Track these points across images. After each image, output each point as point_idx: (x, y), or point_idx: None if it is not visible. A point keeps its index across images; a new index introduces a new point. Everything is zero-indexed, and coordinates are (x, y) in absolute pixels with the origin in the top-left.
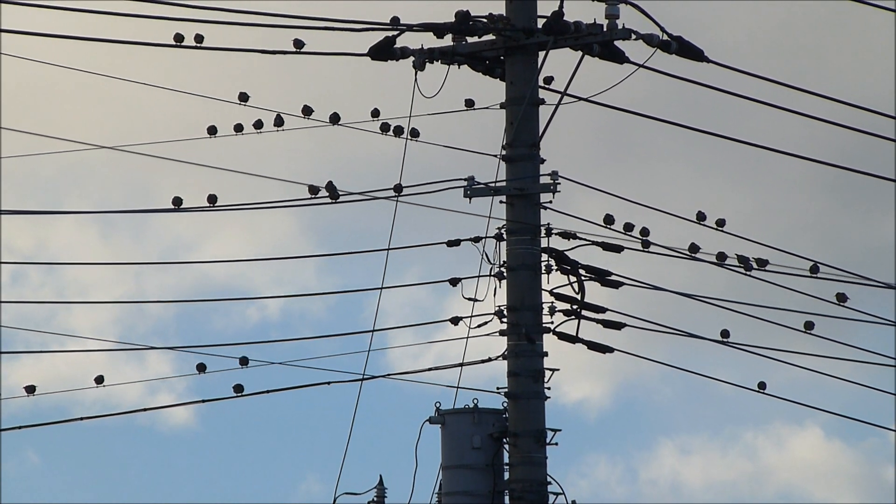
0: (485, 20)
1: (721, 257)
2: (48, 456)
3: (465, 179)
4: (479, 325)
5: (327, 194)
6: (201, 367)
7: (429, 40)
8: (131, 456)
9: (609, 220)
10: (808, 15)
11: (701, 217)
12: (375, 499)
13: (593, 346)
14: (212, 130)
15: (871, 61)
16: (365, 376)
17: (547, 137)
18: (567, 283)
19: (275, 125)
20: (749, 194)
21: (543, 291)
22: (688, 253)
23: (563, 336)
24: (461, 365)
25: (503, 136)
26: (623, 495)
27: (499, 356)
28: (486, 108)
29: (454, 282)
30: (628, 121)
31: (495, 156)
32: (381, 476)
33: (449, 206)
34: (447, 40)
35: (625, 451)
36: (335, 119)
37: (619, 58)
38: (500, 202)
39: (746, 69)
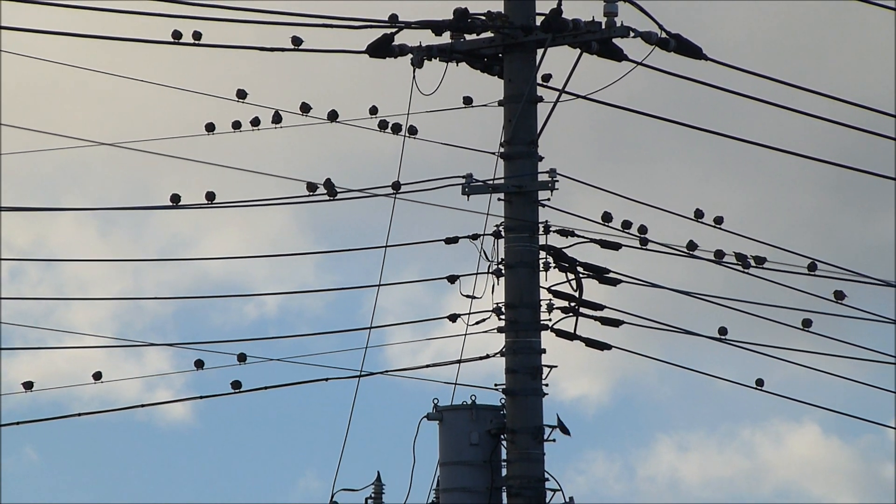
0: (483, 18)
1: (719, 255)
2: (46, 452)
3: (463, 177)
4: (477, 322)
5: (325, 191)
6: (199, 364)
7: (427, 38)
8: (129, 452)
9: (607, 217)
10: (807, 13)
11: (699, 215)
12: (373, 495)
13: (591, 343)
14: (210, 128)
15: (871, 60)
16: (363, 373)
17: (545, 135)
18: (565, 280)
19: (273, 122)
20: (747, 192)
21: (541, 288)
22: (686, 250)
23: (560, 333)
24: (459, 362)
25: (501, 133)
26: (621, 492)
27: (497, 353)
28: (485, 105)
29: (452, 279)
30: (626, 118)
31: (493, 153)
32: (378, 472)
33: (447, 204)
34: (445, 38)
35: (622, 448)
36: (333, 116)
37: (618, 55)
38: (499, 199)
39: (745, 67)
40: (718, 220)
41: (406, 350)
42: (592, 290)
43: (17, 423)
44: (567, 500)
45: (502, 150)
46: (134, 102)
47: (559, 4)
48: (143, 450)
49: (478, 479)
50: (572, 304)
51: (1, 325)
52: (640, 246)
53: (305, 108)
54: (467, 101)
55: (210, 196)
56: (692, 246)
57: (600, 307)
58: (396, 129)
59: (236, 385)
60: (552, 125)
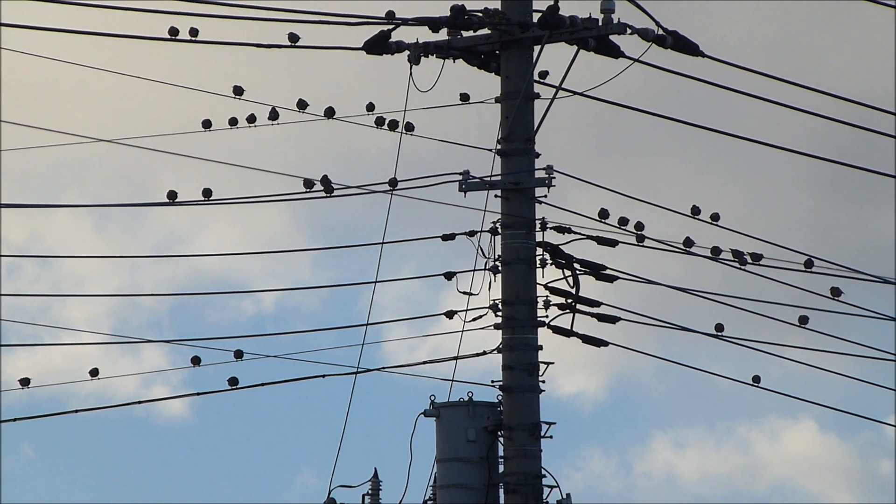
0: (480, 14)
1: (716, 252)
2: (43, 449)
3: (460, 173)
4: (473, 319)
5: (322, 188)
6: (196, 360)
7: (424, 34)
8: (126, 448)
9: (604, 214)
10: (804, 10)
11: (696, 211)
12: (370, 491)
13: (588, 339)
14: (206, 124)
15: (868, 57)
16: (360, 369)
17: (542, 132)
18: (562, 277)
19: (270, 119)
20: (744, 189)
21: (538, 285)
22: (682, 247)
23: (557, 330)
24: (456, 358)
25: (498, 130)
26: (617, 488)
27: (493, 349)
28: (482, 102)
29: (449, 275)
30: (623, 115)
31: (490, 150)
32: (375, 469)
33: (444, 200)
34: (442, 34)
35: (619, 445)
36: (330, 113)
37: (615, 52)
38: (495, 196)
39: (742, 64)
40: (715, 217)
41: (403, 347)
42: (589, 286)
43: (14, 420)
44: (564, 496)
45: (499, 146)
46: (131, 99)
47: (556, 1)
48: (140, 446)
49: (475, 476)
50: (569, 300)
51: (0, 321)
52: (636, 243)
53: (302, 105)
54: (464, 97)
55: (207, 193)
56: (689, 243)
57: (597, 304)
58: (393, 125)
59: (233, 382)
60: (549, 122)
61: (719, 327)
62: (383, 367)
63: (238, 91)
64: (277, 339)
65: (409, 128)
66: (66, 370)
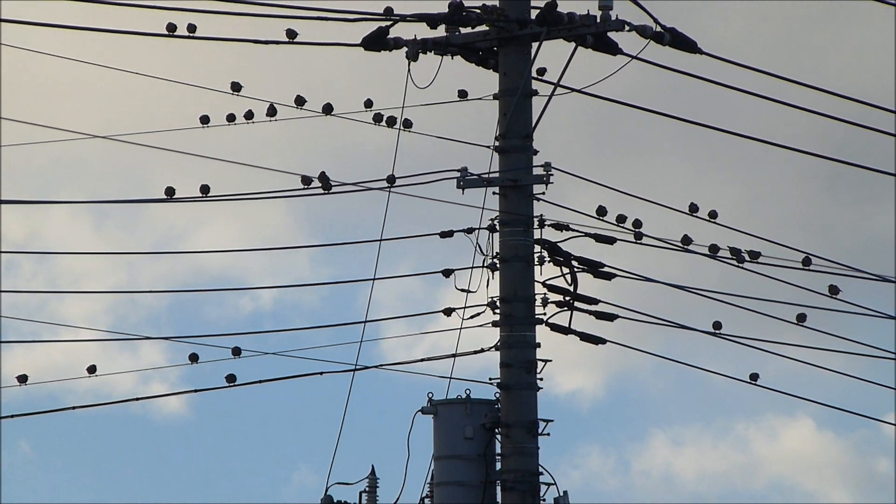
0: (478, 11)
1: (713, 249)
2: (41, 445)
3: (458, 170)
4: (471, 316)
5: (320, 185)
6: (194, 357)
7: (422, 31)
8: (124, 445)
9: (602, 211)
10: (803, 7)
11: (693, 209)
12: (367, 489)
13: (586, 337)
14: (204, 120)
15: (866, 54)
16: (357, 366)
17: (540, 129)
18: (560, 274)
19: (268, 115)
20: (742, 186)
21: (536, 283)
22: (680, 245)
23: (555, 327)
24: (454, 356)
25: (496, 127)
26: (615, 486)
27: (491, 347)
28: (480, 98)
29: (447, 273)
30: (621, 112)
31: (488, 147)
32: (373, 466)
33: (442, 197)
34: (440, 31)
35: (617, 442)
36: (328, 109)
37: (613, 49)
38: (493, 193)
39: (740, 61)
40: (713, 215)
41: (401, 344)
42: (587, 284)
43: (12, 417)
44: (561, 494)
45: (497, 143)
46: (128, 95)
47: None
48: (137, 443)
49: (472, 474)
50: (567, 298)
51: (0, 318)
52: (634, 240)
53: (300, 102)
54: (462, 94)
55: (204, 189)
56: (687, 240)
57: (595, 301)
58: (391, 122)
59: (231, 379)
60: (547, 119)
61: (717, 325)
62: (381, 365)
63: (236, 87)
64: (275, 337)
65: (407, 124)
66: (64, 367)
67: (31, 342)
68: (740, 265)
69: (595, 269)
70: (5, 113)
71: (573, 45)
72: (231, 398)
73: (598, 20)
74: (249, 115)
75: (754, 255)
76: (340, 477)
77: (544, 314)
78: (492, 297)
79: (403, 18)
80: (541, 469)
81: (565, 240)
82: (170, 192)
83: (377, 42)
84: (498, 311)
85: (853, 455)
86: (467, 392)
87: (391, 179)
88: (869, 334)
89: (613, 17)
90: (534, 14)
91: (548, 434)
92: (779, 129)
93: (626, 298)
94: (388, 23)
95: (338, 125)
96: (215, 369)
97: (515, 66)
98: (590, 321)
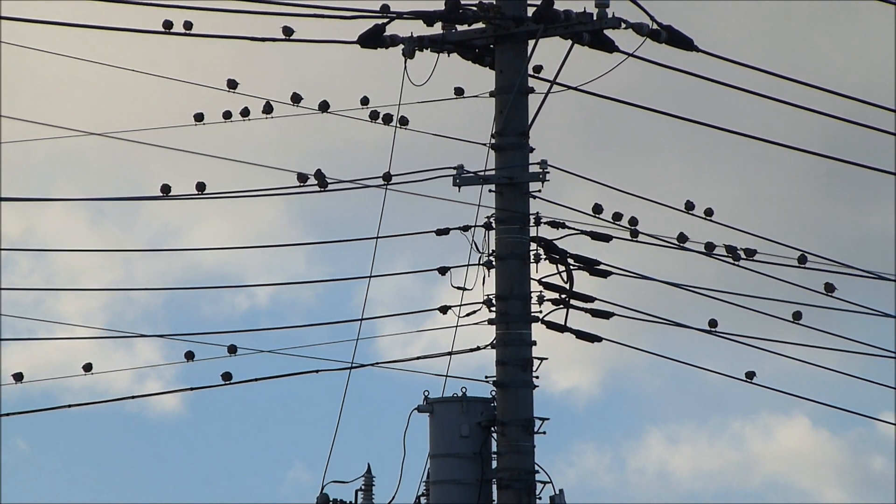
0: (475, 8)
1: (709, 247)
2: (36, 443)
3: (454, 168)
4: (467, 314)
5: (316, 182)
6: (190, 355)
7: (418, 28)
8: (120, 443)
9: (598, 209)
10: (799, 6)
11: (689, 206)
12: (363, 487)
13: (581, 335)
14: (198, 117)
15: (863, 52)
16: (353, 364)
17: (536, 126)
18: (556, 272)
19: (264, 113)
20: (738, 184)
21: (532, 280)
22: (676, 242)
23: (551, 325)
24: (450, 354)
25: (492, 124)
26: (611, 484)
27: (487, 345)
28: (476, 96)
29: (443, 270)
30: (618, 110)
31: (484, 144)
32: (368, 464)
33: (438, 195)
34: (437, 28)
35: (613, 440)
36: (324, 107)
37: (609, 47)
38: (490, 191)
39: (736, 59)
40: (709, 213)
41: (397, 342)
42: (583, 282)
43: (7, 415)
44: (557, 492)
45: (493, 141)
46: (125, 92)
47: None
48: (133, 441)
49: (468, 472)
50: (563, 295)
51: (1, 316)
52: (630, 238)
53: (296, 99)
54: (459, 92)
55: (200, 186)
56: (683, 238)
57: (591, 299)
58: (388, 119)
59: (227, 376)
60: (543, 116)
61: (713, 323)
62: (377, 363)
63: (232, 84)
64: (271, 334)
65: (404, 122)
66: (60, 364)
67: (27, 339)
68: (736, 263)
69: (591, 266)
70: (2, 110)
71: (569, 42)
72: (227, 396)
73: (595, 18)
74: (246, 113)
75: (750, 253)
76: (336, 475)
77: (540, 312)
78: (488, 295)
79: (400, 16)
80: (537, 467)
81: (561, 237)
82: (166, 189)
83: (374, 39)
84: (494, 308)
85: (849, 453)
86: (463, 390)
87: (387, 177)
88: (865, 332)
89: (610, 15)
90: (530, 11)
91: (544, 432)
92: (775, 127)
93: (622, 296)
94: (385, 20)
95: (334, 122)
96: (211, 367)
97: (512, 63)
98: (586, 319)
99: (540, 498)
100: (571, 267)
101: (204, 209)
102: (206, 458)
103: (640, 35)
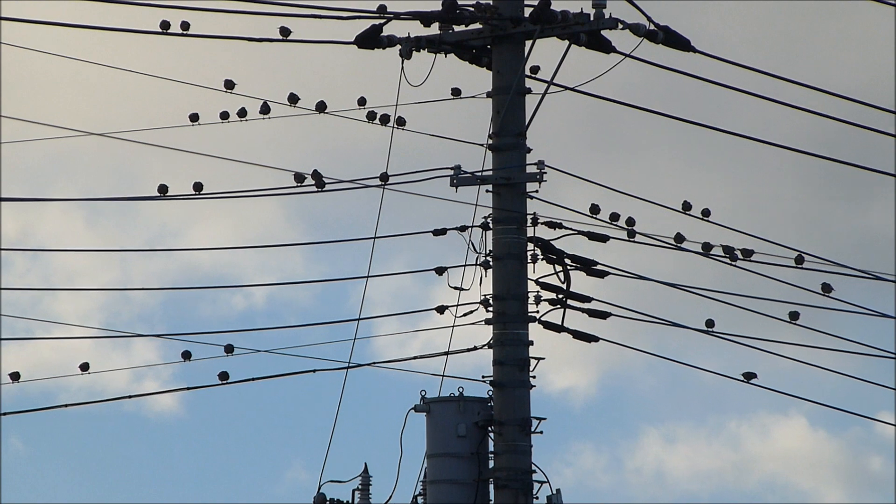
0: (472, 9)
1: (706, 247)
2: (33, 443)
3: (451, 168)
4: (464, 314)
5: (313, 182)
6: (187, 355)
7: (416, 28)
8: (117, 443)
9: (595, 209)
10: (796, 5)
11: (686, 207)
12: (360, 487)
13: (579, 335)
14: (194, 118)
15: (859, 52)
16: (351, 364)
17: (533, 127)
18: (553, 272)
19: (261, 113)
20: (735, 184)
21: (529, 281)
22: (673, 243)
23: (548, 325)
24: (447, 353)
25: (490, 125)
26: (608, 484)
27: (484, 345)
28: (473, 97)
29: (440, 270)
30: (615, 110)
31: (482, 145)
32: (365, 464)
33: (435, 195)
34: (434, 29)
35: (610, 440)
36: (321, 107)
37: (606, 47)
38: (487, 191)
39: (733, 59)
40: (706, 213)
41: (394, 342)
42: (580, 282)
43: (4, 414)
44: (554, 492)
45: (491, 141)
46: (122, 92)
47: None
48: (130, 441)
49: (465, 471)
50: (560, 296)
51: (0, 316)
52: (627, 238)
53: (293, 99)
54: (456, 92)
55: (198, 187)
56: (680, 238)
57: (588, 299)
58: (385, 120)
59: (224, 376)
60: (540, 117)
61: (710, 323)
62: (374, 363)
63: (229, 85)
64: (268, 334)
65: (401, 122)
66: (57, 364)
67: (24, 339)
68: (733, 263)
69: (588, 266)
70: (1, 110)
71: (567, 43)
72: (224, 396)
73: (592, 18)
74: (243, 113)
75: (747, 254)
76: (333, 475)
77: (537, 312)
78: (485, 295)
79: (397, 16)
80: (534, 467)
81: (558, 238)
82: (163, 189)
83: (371, 40)
84: (491, 308)
85: (846, 453)
86: (460, 390)
87: (384, 177)
88: (862, 332)
89: (607, 16)
90: (527, 12)
91: (541, 432)
92: (772, 127)
93: (619, 296)
94: (382, 21)
95: (331, 123)
96: (208, 367)
97: (509, 64)
98: (583, 319)
99: (537, 498)
100: (568, 267)
101: (201, 209)
102: (203, 457)
103: (637, 36)
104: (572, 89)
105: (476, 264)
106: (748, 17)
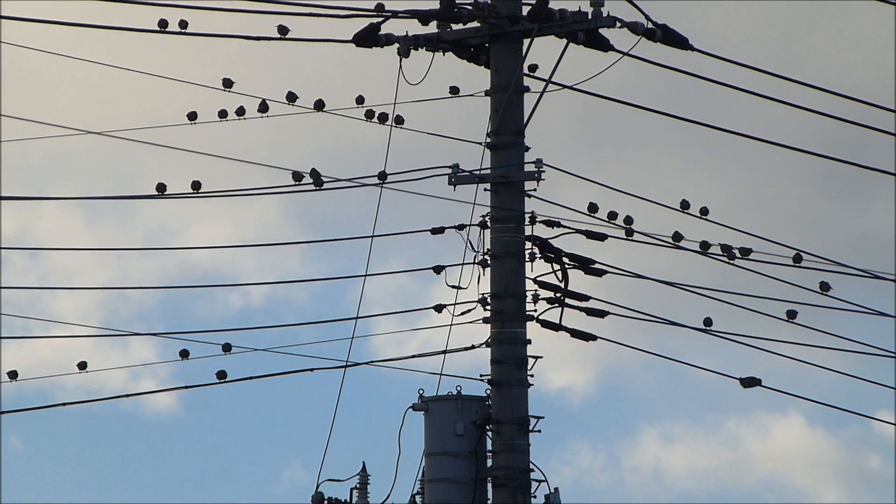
0: (470, 7)
1: (704, 246)
2: (31, 442)
3: (449, 167)
4: (462, 313)
5: (311, 181)
6: (184, 354)
7: (414, 27)
8: (114, 441)
9: (593, 208)
10: (794, 4)
11: (685, 206)
12: (358, 485)
13: (576, 333)
14: (192, 116)
15: (857, 50)
16: (348, 363)
17: (531, 125)
18: (551, 270)
19: (259, 111)
20: (733, 183)
21: (527, 279)
22: (671, 241)
23: (546, 324)
24: (445, 352)
25: (488, 123)
26: (606, 482)
27: (482, 343)
28: (471, 95)
29: (438, 269)
30: (613, 109)
31: (480, 143)
32: (363, 463)
33: (433, 194)
34: (432, 27)
35: (607, 439)
36: (320, 106)
37: (604, 46)
38: (485, 190)
39: (731, 58)
40: (704, 212)
41: (392, 340)
42: (578, 280)
43: (2, 413)
44: (552, 490)
45: (489, 140)
46: (120, 91)
47: None
48: (128, 439)
49: (463, 470)
50: (558, 294)
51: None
52: (625, 237)
53: (292, 98)
54: (454, 91)
55: (196, 185)
56: (678, 237)
57: (586, 298)
58: (383, 118)
59: (221, 375)
60: (539, 115)
61: (708, 322)
62: (372, 361)
63: (227, 83)
64: (266, 333)
65: (399, 121)
66: (55, 363)
67: (22, 338)
68: (731, 262)
69: (586, 265)
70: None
71: (565, 41)
72: (221, 395)
73: (590, 17)
74: (241, 112)
75: (745, 252)
76: (331, 473)
77: (535, 311)
78: (483, 294)
79: (395, 15)
80: (532, 465)
81: (556, 236)
82: (161, 188)
83: (369, 38)
84: (489, 307)
85: (844, 452)
86: (458, 389)
87: (383, 176)
88: (860, 331)
89: (605, 14)
90: (525, 10)
91: (538, 431)
92: (770, 125)
93: (617, 295)
94: (380, 19)
95: (329, 121)
96: (206, 366)
97: (507, 62)
98: (580, 318)
99: (535, 496)
100: (566, 266)
101: (199, 208)
102: (200, 456)
103: (635, 34)
104: (570, 88)
105: (474, 263)
106: (747, 16)
